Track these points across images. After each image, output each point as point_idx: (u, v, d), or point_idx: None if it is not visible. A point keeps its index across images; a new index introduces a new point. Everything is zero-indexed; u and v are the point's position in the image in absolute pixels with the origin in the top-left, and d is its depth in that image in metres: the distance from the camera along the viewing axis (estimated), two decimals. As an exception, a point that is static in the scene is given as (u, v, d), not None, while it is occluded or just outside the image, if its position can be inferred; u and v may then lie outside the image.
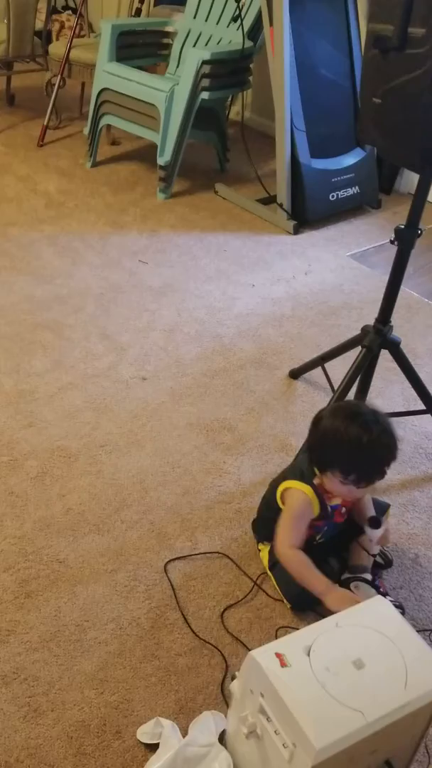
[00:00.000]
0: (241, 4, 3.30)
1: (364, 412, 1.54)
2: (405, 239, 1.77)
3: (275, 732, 1.15)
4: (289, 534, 1.61)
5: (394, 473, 2.07)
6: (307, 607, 1.65)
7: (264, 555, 1.73)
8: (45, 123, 3.93)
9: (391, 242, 1.79)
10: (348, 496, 1.60)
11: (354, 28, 3.31)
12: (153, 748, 1.37)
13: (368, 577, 1.65)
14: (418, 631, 1.45)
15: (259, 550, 1.77)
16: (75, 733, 1.40)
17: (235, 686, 1.29)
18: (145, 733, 1.40)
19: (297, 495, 1.60)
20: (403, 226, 1.77)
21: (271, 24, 3.04)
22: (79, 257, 2.98)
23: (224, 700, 1.47)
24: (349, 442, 1.49)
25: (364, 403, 1.60)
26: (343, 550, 1.71)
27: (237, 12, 3.40)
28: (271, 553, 1.70)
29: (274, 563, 1.68)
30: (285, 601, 1.66)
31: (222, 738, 1.37)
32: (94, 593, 1.66)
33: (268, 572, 1.71)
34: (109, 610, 1.63)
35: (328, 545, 1.69)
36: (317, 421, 1.57)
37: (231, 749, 1.34)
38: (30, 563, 1.71)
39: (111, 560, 1.74)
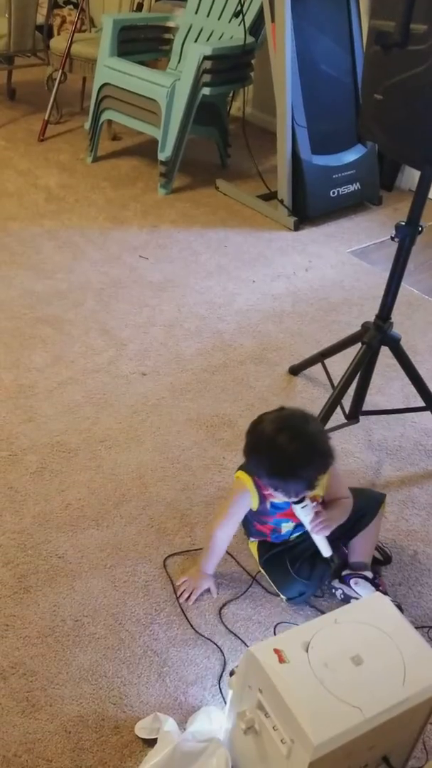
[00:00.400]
0: (242, 0, 3.28)
1: (292, 424, 1.48)
2: (405, 236, 1.77)
3: (273, 728, 1.15)
4: (220, 517, 1.63)
5: (393, 470, 2.07)
6: (302, 601, 1.66)
7: (254, 550, 1.73)
8: (46, 118, 3.93)
9: (392, 239, 1.79)
10: (285, 499, 1.55)
11: (356, 25, 3.30)
12: (151, 743, 1.37)
13: (369, 575, 1.65)
14: (416, 628, 1.45)
15: (250, 545, 1.77)
16: (73, 728, 1.41)
17: (233, 682, 1.29)
18: (143, 729, 1.40)
19: (238, 484, 1.60)
20: (404, 223, 1.76)
21: (272, 20, 3.03)
22: (79, 252, 2.98)
23: (222, 696, 1.47)
24: (272, 457, 1.45)
25: (299, 413, 1.53)
26: (345, 546, 1.71)
27: (239, 7, 3.38)
28: (260, 547, 1.70)
29: (265, 558, 1.69)
30: (280, 594, 1.66)
31: (220, 733, 1.37)
32: (93, 588, 1.66)
33: (260, 567, 1.72)
34: (108, 605, 1.63)
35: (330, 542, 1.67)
36: (251, 428, 1.53)
37: (229, 745, 1.34)
38: (29, 558, 1.71)
39: (110, 555, 1.74)
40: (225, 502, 1.65)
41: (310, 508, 1.52)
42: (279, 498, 1.55)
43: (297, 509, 1.53)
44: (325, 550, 1.58)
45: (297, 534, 1.67)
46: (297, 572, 1.63)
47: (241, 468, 1.63)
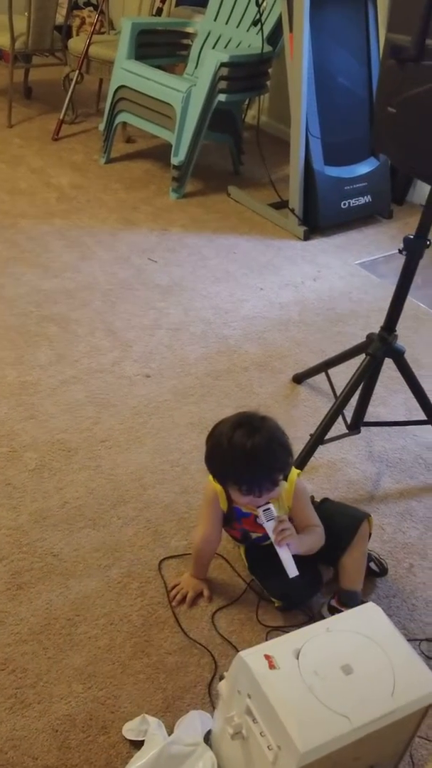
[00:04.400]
0: (262, 9, 3.30)
1: (247, 420, 1.48)
2: (413, 249, 1.77)
3: (260, 734, 1.15)
4: (198, 524, 1.65)
5: (392, 482, 2.07)
6: (294, 606, 1.65)
7: (243, 555, 1.73)
8: (61, 117, 3.95)
9: (400, 252, 1.79)
10: (254, 504, 1.53)
11: (373, 38, 3.32)
12: (138, 744, 1.37)
13: None
14: (409, 640, 1.45)
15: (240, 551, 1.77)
16: (60, 727, 1.41)
17: (222, 686, 1.29)
18: (130, 730, 1.40)
19: (208, 487, 1.60)
20: (412, 236, 1.77)
21: (291, 30, 3.04)
22: (88, 252, 2.99)
23: (211, 701, 1.47)
24: (232, 452, 1.44)
25: (255, 412, 1.52)
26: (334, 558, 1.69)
27: (257, 16, 3.40)
28: (248, 553, 1.70)
29: (252, 561, 1.69)
30: (273, 600, 1.66)
31: (207, 738, 1.37)
32: (87, 588, 1.66)
33: (249, 571, 1.72)
34: (101, 606, 1.63)
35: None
36: (209, 434, 1.52)
37: (216, 749, 1.34)
38: (24, 555, 1.72)
39: (105, 556, 1.74)
40: (200, 508, 1.65)
41: (274, 511, 1.49)
42: (244, 503, 1.53)
43: (260, 513, 1.49)
44: (290, 569, 1.49)
45: (268, 541, 1.67)
46: (283, 576, 1.62)
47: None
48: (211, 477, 1.59)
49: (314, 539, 1.58)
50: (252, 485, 1.46)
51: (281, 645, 1.19)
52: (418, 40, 1.45)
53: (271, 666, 1.15)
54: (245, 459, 1.44)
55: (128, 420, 2.16)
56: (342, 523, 1.66)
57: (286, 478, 1.57)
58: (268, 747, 1.12)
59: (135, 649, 1.55)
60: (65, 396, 2.21)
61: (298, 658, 1.16)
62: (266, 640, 1.59)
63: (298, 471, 1.61)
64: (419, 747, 1.43)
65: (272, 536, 1.49)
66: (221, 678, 1.32)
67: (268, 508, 1.49)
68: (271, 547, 1.62)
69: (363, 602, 1.64)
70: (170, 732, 1.39)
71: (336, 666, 1.16)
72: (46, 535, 1.77)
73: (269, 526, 1.49)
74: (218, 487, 1.57)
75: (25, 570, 1.68)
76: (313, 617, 1.66)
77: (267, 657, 1.16)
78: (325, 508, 1.73)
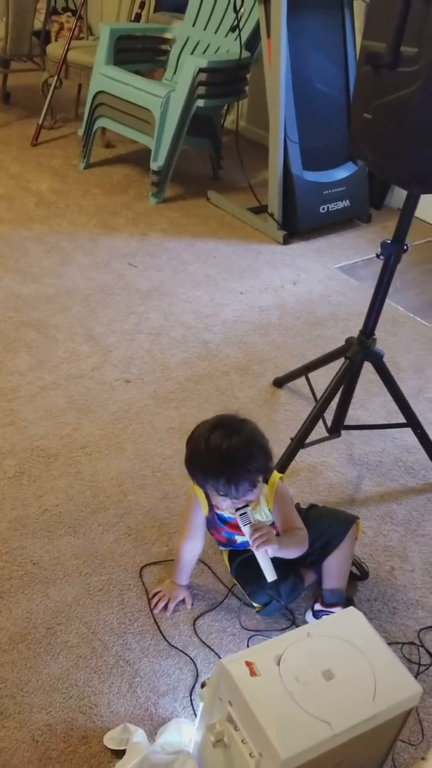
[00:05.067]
0: (239, 15, 3.32)
1: (225, 422, 1.48)
2: (390, 254, 1.78)
3: (242, 741, 1.14)
4: (181, 530, 1.65)
5: (373, 485, 2.08)
6: (275, 612, 1.65)
7: (226, 559, 1.73)
8: (40, 122, 3.93)
9: (378, 256, 1.80)
10: (233, 508, 1.51)
11: (350, 43, 3.34)
12: (120, 754, 1.36)
13: (340, 610, 1.60)
14: (390, 644, 1.46)
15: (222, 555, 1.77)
16: (41, 737, 1.39)
17: (204, 694, 1.28)
18: (112, 739, 1.39)
19: (189, 492, 1.60)
20: (389, 241, 1.78)
21: (268, 36, 3.06)
22: (68, 257, 2.98)
23: (193, 708, 1.46)
24: (209, 453, 1.44)
25: (234, 415, 1.52)
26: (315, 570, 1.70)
27: (235, 22, 3.41)
28: (230, 556, 1.70)
29: (235, 564, 1.69)
30: (254, 605, 1.66)
31: (189, 746, 1.36)
32: (67, 596, 1.65)
33: (231, 575, 1.71)
34: (81, 614, 1.62)
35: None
36: (189, 437, 1.51)
37: (198, 757, 1.33)
38: (3, 563, 1.70)
39: (85, 563, 1.73)
40: (182, 514, 1.64)
41: (250, 515, 1.47)
42: (225, 507, 1.53)
43: (237, 516, 1.47)
44: (268, 574, 1.48)
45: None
46: (265, 581, 1.62)
47: None
48: (192, 482, 1.59)
49: (296, 540, 1.57)
50: (229, 487, 1.45)
51: (262, 651, 1.19)
52: (392, 48, 1.46)
53: (252, 673, 1.14)
54: (221, 460, 1.43)
55: (108, 426, 2.14)
56: (332, 525, 1.67)
57: (266, 482, 1.57)
58: (249, 754, 1.12)
59: (116, 657, 1.54)
60: (45, 402, 2.19)
61: (279, 665, 1.16)
62: (248, 645, 1.59)
63: (280, 474, 1.61)
64: (402, 751, 1.44)
65: (249, 540, 1.48)
66: (203, 685, 1.31)
67: (245, 513, 1.47)
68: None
69: (349, 600, 1.66)
70: (152, 740, 1.38)
71: (317, 671, 1.16)
72: (26, 543, 1.75)
73: (246, 530, 1.47)
74: (199, 491, 1.56)
75: (4, 578, 1.66)
76: (295, 621, 1.66)
77: (248, 664, 1.15)
78: (313, 512, 1.74)
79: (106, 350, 2.46)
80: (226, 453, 1.42)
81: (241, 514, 1.48)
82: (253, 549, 1.48)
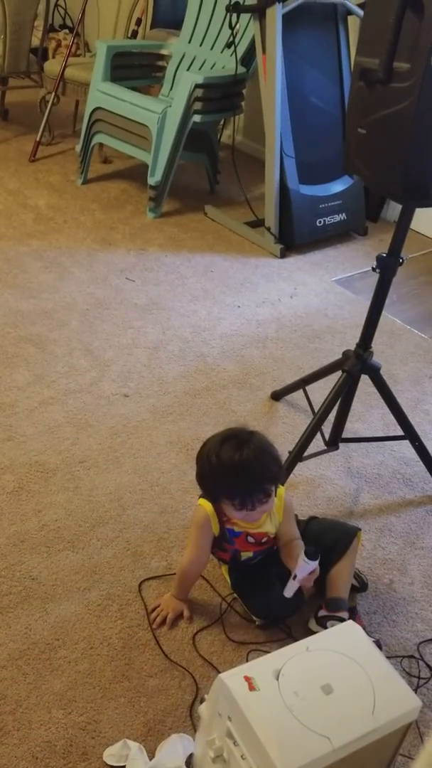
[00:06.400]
0: (235, 31, 3.35)
1: (235, 434, 1.51)
2: (386, 267, 1.80)
3: (242, 756, 1.14)
4: (189, 548, 1.63)
5: (371, 498, 2.08)
6: (274, 624, 1.65)
7: (225, 574, 1.73)
8: (38, 138, 3.96)
9: (373, 270, 1.82)
10: (248, 519, 1.56)
11: (345, 58, 3.38)
12: (119, 770, 1.35)
13: (345, 616, 1.62)
14: (390, 657, 1.46)
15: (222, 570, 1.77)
16: (40, 754, 1.38)
17: (203, 709, 1.28)
18: (111, 755, 1.38)
19: (199, 511, 1.60)
20: (385, 255, 1.79)
21: (264, 51, 3.09)
22: (66, 272, 2.99)
23: (193, 724, 1.46)
24: (222, 466, 1.46)
25: (243, 428, 1.56)
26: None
27: (231, 38, 3.45)
28: (231, 571, 1.70)
29: (235, 578, 1.69)
30: (254, 619, 1.65)
31: (189, 761, 1.36)
32: (66, 611, 1.65)
33: (232, 590, 1.71)
34: (81, 629, 1.61)
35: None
36: (199, 452, 1.54)
37: (198, 773, 1.33)
38: (1, 579, 1.69)
39: (85, 578, 1.73)
40: (190, 532, 1.64)
41: (313, 565, 1.51)
42: (239, 518, 1.54)
43: (300, 563, 1.51)
44: (289, 591, 1.56)
45: (257, 560, 1.67)
46: (267, 593, 1.62)
47: (201, 496, 1.63)
48: (200, 500, 1.59)
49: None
50: (245, 498, 1.48)
51: (261, 666, 1.19)
52: (385, 64, 1.48)
53: (251, 688, 1.14)
54: (235, 472, 1.45)
55: (107, 440, 2.15)
56: (334, 537, 1.69)
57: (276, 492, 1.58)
58: (249, 770, 1.11)
59: (115, 673, 1.54)
60: (43, 417, 2.20)
61: (278, 679, 1.16)
62: (247, 660, 1.59)
63: (283, 486, 1.62)
64: (402, 765, 1.43)
65: (299, 576, 1.51)
66: (202, 700, 1.31)
67: (308, 563, 1.50)
68: (256, 565, 1.63)
69: (352, 609, 1.66)
70: (151, 756, 1.38)
71: (316, 686, 1.15)
72: (25, 559, 1.75)
73: (303, 571, 1.51)
74: (210, 509, 1.57)
75: (3, 594, 1.66)
76: (292, 634, 1.65)
77: (247, 678, 1.15)
78: (314, 524, 1.75)
79: (104, 365, 2.47)
80: (239, 464, 1.44)
81: (307, 563, 1.50)
82: (295, 579, 1.52)
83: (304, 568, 1.51)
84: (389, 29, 1.46)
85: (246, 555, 1.65)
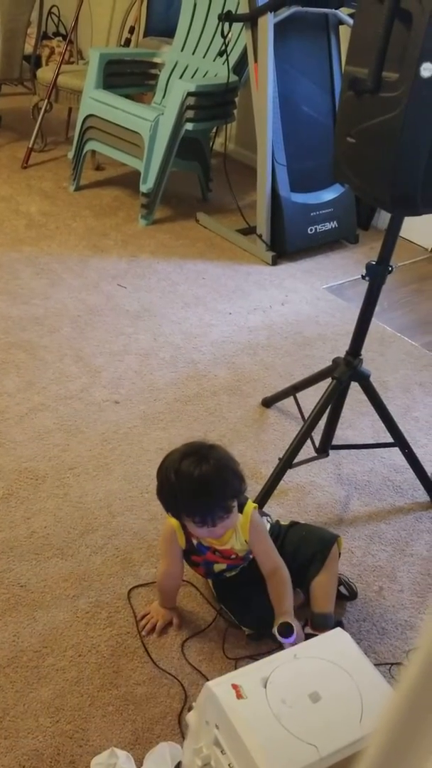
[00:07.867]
0: (227, 40, 3.37)
1: (194, 450, 1.46)
2: (375, 275, 1.80)
3: (229, 765, 1.13)
4: (160, 560, 1.65)
5: (361, 505, 2.08)
6: (264, 635, 1.64)
7: (211, 585, 1.72)
8: (30, 145, 3.97)
9: (363, 277, 1.82)
10: (212, 535, 1.53)
11: (336, 67, 3.40)
12: (106, 779, 1.35)
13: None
14: (379, 665, 1.45)
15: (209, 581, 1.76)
16: (28, 762, 1.38)
17: (191, 717, 1.27)
18: (99, 764, 1.37)
19: (166, 525, 1.58)
20: (374, 263, 1.80)
21: (255, 60, 3.11)
22: (57, 279, 2.99)
23: (181, 732, 1.45)
24: (181, 483, 1.43)
25: (202, 442, 1.51)
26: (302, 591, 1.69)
27: (223, 47, 3.47)
28: (215, 584, 1.69)
29: (220, 591, 1.68)
30: (242, 628, 1.65)
31: (177, 770, 1.35)
32: (55, 619, 1.64)
33: (217, 602, 1.71)
34: (69, 637, 1.61)
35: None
36: (159, 468, 1.51)
37: (185, 782, 1.32)
38: (-10, 586, 1.69)
39: (73, 585, 1.72)
40: (160, 545, 1.64)
41: (292, 640, 1.50)
42: (202, 535, 1.53)
43: (281, 638, 1.49)
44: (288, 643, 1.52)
45: (233, 572, 1.66)
46: (252, 603, 1.62)
47: None
48: (169, 516, 1.57)
49: (289, 588, 1.58)
50: (205, 516, 1.44)
51: (249, 674, 1.19)
52: (374, 73, 1.49)
53: (239, 696, 1.14)
54: (194, 489, 1.42)
55: (97, 447, 2.14)
56: (312, 546, 1.66)
57: (241, 510, 1.55)
58: (236, 778, 1.11)
59: (103, 681, 1.53)
60: (33, 423, 2.19)
61: (265, 687, 1.16)
62: (236, 668, 1.58)
63: (254, 504, 1.59)
64: (390, 772, 1.42)
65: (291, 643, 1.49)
66: (190, 709, 1.30)
67: (292, 639, 1.49)
68: (238, 576, 1.63)
69: (338, 622, 1.65)
70: (139, 765, 1.37)
71: (304, 694, 1.15)
72: (13, 566, 1.75)
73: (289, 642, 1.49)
74: (175, 522, 1.55)
75: (-9, 602, 1.65)
76: (282, 645, 1.65)
77: (234, 686, 1.15)
78: (293, 531, 1.73)
79: (95, 371, 2.47)
80: (198, 481, 1.41)
81: (286, 640, 1.48)
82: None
83: (284, 642, 1.49)
84: (378, 39, 1.47)
85: (219, 567, 1.63)
